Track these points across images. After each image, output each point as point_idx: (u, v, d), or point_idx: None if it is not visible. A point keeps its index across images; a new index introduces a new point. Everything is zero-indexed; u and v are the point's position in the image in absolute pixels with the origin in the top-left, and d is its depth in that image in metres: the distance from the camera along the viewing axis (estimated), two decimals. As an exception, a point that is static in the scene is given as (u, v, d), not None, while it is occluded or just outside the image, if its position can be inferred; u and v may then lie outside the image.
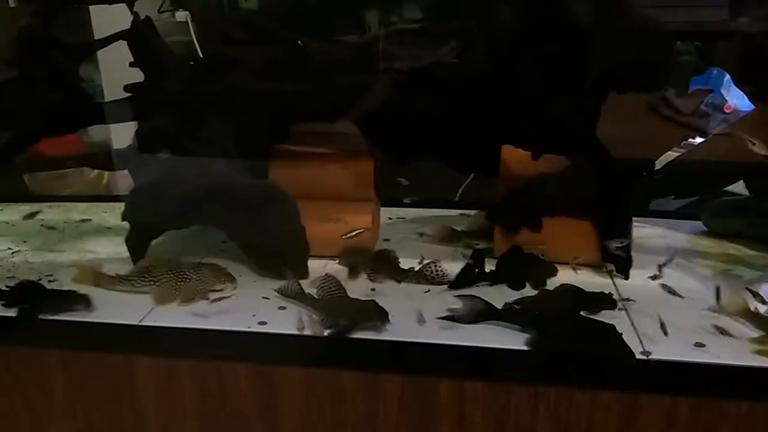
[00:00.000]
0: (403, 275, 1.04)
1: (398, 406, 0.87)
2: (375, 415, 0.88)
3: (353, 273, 1.04)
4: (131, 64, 1.06)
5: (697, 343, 0.84)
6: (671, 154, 1.22)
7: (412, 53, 1.00)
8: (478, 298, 0.89)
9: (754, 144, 0.98)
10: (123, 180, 1.76)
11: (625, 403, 0.82)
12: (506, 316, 0.88)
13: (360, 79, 1.03)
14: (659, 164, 1.19)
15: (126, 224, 1.06)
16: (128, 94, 1.04)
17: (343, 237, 1.06)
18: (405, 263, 1.06)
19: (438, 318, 0.89)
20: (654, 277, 1.04)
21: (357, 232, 1.07)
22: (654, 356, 0.82)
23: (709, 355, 0.82)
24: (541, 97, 1.02)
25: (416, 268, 1.04)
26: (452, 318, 0.88)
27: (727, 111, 1.64)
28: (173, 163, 1.04)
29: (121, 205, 1.06)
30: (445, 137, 1.08)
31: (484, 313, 0.88)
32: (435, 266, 1.03)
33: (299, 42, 1.02)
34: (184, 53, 1.23)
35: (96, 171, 1.81)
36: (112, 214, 1.39)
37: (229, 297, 0.98)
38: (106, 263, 1.06)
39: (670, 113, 1.20)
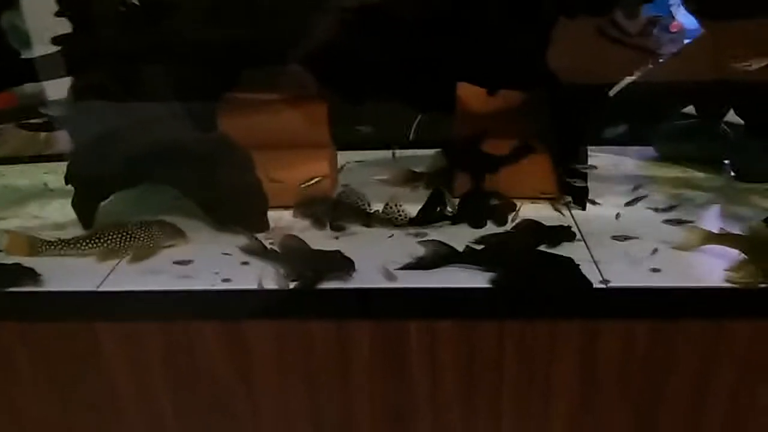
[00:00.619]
0: (366, 219, 1.03)
1: (370, 351, 0.88)
2: (347, 362, 0.89)
3: (315, 223, 1.03)
4: (57, 14, 0.97)
5: (653, 268, 0.87)
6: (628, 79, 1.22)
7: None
8: (440, 242, 0.90)
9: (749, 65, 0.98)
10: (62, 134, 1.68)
11: (585, 331, 0.85)
12: (468, 258, 0.88)
13: (307, 19, 0.98)
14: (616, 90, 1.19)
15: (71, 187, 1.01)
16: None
17: (301, 186, 1.04)
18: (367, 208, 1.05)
19: (399, 269, 0.89)
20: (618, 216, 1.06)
21: (315, 180, 1.05)
22: (612, 284, 0.85)
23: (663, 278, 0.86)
24: (493, 30, 1.00)
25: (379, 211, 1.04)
26: (415, 266, 0.89)
27: (673, 30, 1.64)
28: (115, 119, 0.98)
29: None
30: (399, 77, 1.05)
31: (446, 257, 0.89)
32: (397, 206, 1.02)
33: (239, -19, 0.95)
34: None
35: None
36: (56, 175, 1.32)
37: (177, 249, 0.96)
38: (52, 229, 1.01)
39: (618, 35, 1.20)
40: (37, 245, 0.96)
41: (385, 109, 1.22)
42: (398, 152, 1.34)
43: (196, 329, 0.88)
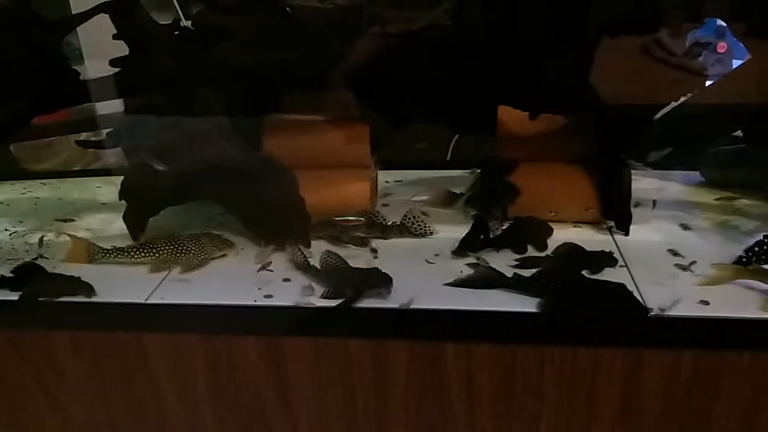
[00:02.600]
0: (387, 231, 1.06)
1: (407, 371, 0.89)
2: (385, 381, 0.89)
3: (333, 242, 1.04)
4: (115, 37, 1.02)
5: (702, 301, 0.86)
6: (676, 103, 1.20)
7: (405, 16, 0.97)
8: (489, 266, 0.90)
9: None
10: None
11: (629, 359, 0.84)
12: (516, 284, 0.89)
13: (352, 43, 1.00)
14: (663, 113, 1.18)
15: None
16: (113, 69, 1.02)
17: (338, 220, 1.06)
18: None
19: (447, 284, 0.90)
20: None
21: (354, 220, 1.06)
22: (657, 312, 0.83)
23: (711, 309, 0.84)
24: (535, 53, 1.01)
25: (398, 222, 1.07)
26: (461, 284, 0.89)
27: (720, 51, 1.61)
28: (167, 139, 1.02)
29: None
30: (441, 99, 1.06)
31: (494, 281, 0.89)
32: (416, 218, 1.05)
33: (288, 8, 0.99)
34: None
35: (83, 137, 1.78)
36: (107, 188, 1.38)
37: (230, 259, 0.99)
38: (103, 240, 1.06)
39: (663, 55, 1.19)
40: (94, 252, 1.00)
41: (422, 130, 1.23)
42: (435, 173, 1.35)
43: (238, 343, 0.91)
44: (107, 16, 0.99)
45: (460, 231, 1.04)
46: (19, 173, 1.57)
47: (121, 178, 1.00)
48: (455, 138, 1.46)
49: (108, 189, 1.40)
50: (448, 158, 1.47)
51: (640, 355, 0.83)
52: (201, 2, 1.09)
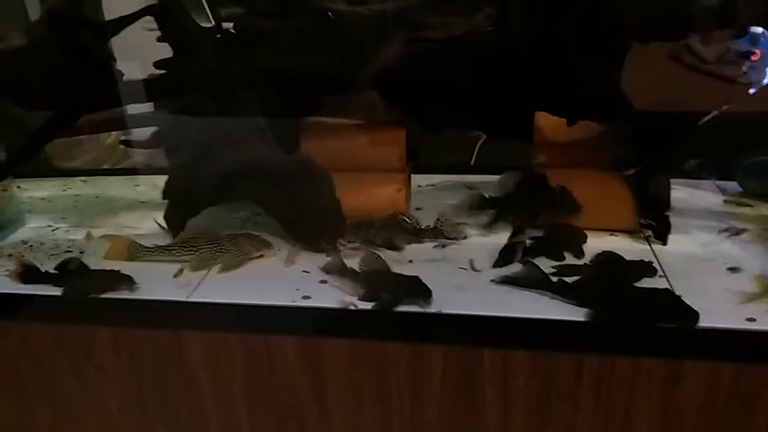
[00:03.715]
0: (420, 235, 1.07)
1: (442, 375, 0.89)
2: (420, 385, 0.90)
3: (367, 245, 1.05)
4: (159, 39, 1.04)
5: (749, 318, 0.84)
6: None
7: (445, 22, 0.98)
8: (536, 266, 0.91)
9: None
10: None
11: (669, 370, 0.83)
12: (560, 290, 0.89)
13: (390, 49, 1.01)
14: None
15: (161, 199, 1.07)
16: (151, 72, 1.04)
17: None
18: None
19: (495, 281, 0.91)
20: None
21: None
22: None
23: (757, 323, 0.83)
24: (573, 60, 1.01)
25: (431, 226, 1.08)
26: (512, 282, 0.90)
27: (754, 59, 1.59)
28: (209, 140, 1.04)
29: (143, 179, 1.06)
30: (477, 106, 1.07)
31: (539, 283, 0.89)
32: (448, 222, 1.07)
33: (329, 12, 1.00)
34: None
35: (112, 136, 1.82)
36: (145, 187, 1.40)
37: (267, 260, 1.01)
38: (142, 238, 1.08)
39: (694, 62, 1.18)
40: (135, 250, 1.02)
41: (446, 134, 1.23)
42: (460, 177, 1.35)
43: (275, 343, 0.92)
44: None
45: (494, 236, 1.04)
46: (50, 170, 1.60)
47: (149, 177, 1.02)
48: (479, 142, 1.46)
49: (134, 188, 1.42)
50: (472, 163, 1.47)
51: (679, 367, 0.83)
52: (238, 6, 1.10)
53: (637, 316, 0.84)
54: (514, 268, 0.96)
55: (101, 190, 1.41)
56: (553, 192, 1.06)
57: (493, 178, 1.29)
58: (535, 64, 1.01)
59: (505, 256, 0.98)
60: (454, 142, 1.40)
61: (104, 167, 1.79)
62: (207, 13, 1.60)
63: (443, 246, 1.06)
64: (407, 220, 1.08)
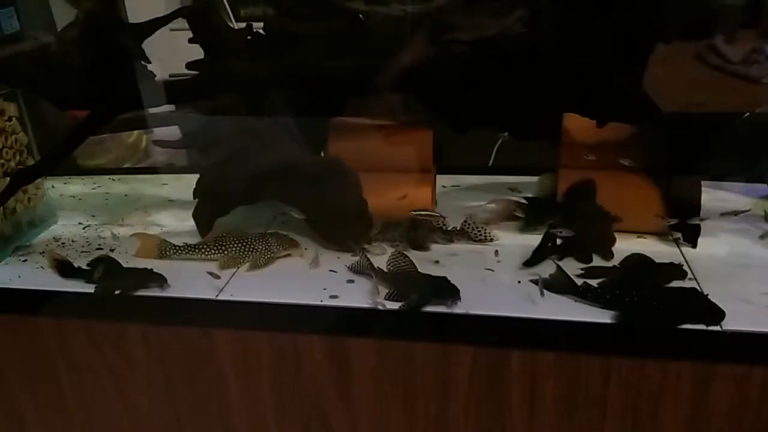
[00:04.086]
0: (447, 236, 1.07)
1: (470, 376, 0.89)
2: (447, 385, 0.90)
3: (396, 245, 1.06)
4: (191, 41, 1.06)
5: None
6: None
7: (475, 23, 0.98)
8: (563, 271, 0.91)
9: None
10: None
11: (698, 373, 0.83)
12: (585, 294, 0.89)
13: (419, 50, 1.01)
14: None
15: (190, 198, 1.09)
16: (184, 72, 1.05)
17: (414, 213, 1.07)
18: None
19: (531, 281, 0.92)
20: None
21: (428, 213, 1.07)
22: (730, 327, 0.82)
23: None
24: (606, 63, 1.00)
25: (458, 227, 1.08)
26: (541, 285, 0.90)
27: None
28: (238, 140, 1.05)
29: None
30: (506, 107, 1.07)
31: (566, 287, 0.89)
32: (475, 223, 1.08)
33: (360, 15, 1.00)
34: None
35: (135, 135, 1.85)
36: (175, 186, 1.42)
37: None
38: (170, 236, 1.10)
39: (719, 62, 1.16)
40: (165, 249, 1.04)
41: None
42: (478, 178, 1.35)
43: (303, 341, 0.93)
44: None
45: (521, 238, 1.05)
46: (77, 169, 1.63)
47: (171, 175, 1.02)
48: (498, 143, 1.45)
49: (156, 187, 1.44)
50: (490, 164, 1.47)
51: (709, 370, 0.82)
52: (268, 7, 1.11)
53: (662, 316, 0.84)
54: (542, 269, 0.96)
55: (130, 188, 1.43)
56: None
57: (512, 178, 1.31)
58: (564, 66, 1.00)
59: (536, 256, 0.98)
60: (473, 142, 1.39)
61: (126, 165, 1.82)
62: (229, 13, 1.63)
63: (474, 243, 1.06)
64: (434, 221, 1.09)
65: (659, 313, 0.84)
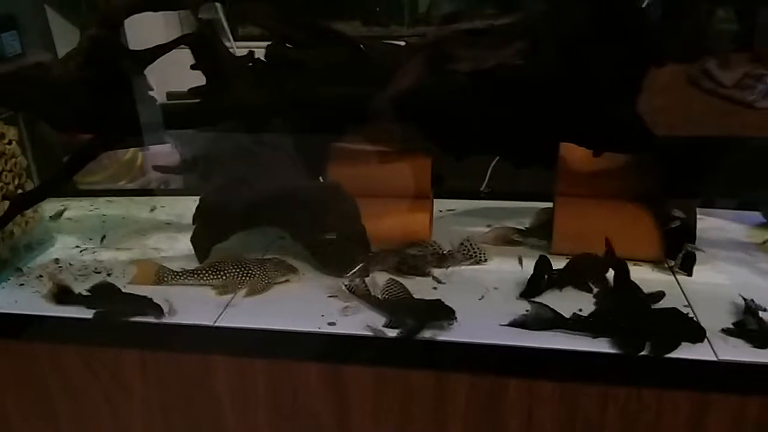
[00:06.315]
0: (443, 260, 1.08)
1: (466, 404, 0.89)
2: (444, 413, 0.90)
3: (393, 273, 1.05)
4: (193, 67, 1.07)
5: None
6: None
7: (474, 55, 1.00)
8: (547, 306, 0.91)
9: None
10: (153, 159, 1.79)
11: (694, 402, 0.83)
12: (575, 325, 0.89)
13: (421, 80, 1.03)
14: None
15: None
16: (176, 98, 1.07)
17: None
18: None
19: (503, 325, 0.90)
20: None
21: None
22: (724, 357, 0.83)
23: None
24: (600, 94, 1.02)
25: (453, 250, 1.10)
26: (521, 325, 0.90)
27: (768, 82, 1.58)
28: (239, 165, 1.06)
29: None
30: (503, 136, 1.08)
31: (551, 322, 0.89)
32: (472, 245, 1.09)
33: (361, 45, 1.02)
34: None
35: (130, 152, 1.85)
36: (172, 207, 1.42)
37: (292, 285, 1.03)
38: (168, 261, 1.09)
39: (712, 86, 1.18)
40: (163, 275, 1.04)
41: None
42: (473, 203, 1.36)
43: (300, 369, 0.93)
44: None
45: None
46: (73, 188, 1.63)
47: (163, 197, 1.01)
48: (490, 169, 1.46)
49: (160, 208, 1.45)
50: (483, 189, 1.48)
51: (706, 400, 0.82)
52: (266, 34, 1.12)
53: (648, 338, 0.85)
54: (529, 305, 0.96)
55: (127, 210, 1.43)
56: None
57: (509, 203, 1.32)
58: (560, 95, 1.02)
59: (531, 288, 0.99)
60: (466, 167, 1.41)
61: (122, 182, 1.82)
62: (229, 36, 1.64)
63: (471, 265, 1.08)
64: (431, 246, 1.09)
65: (645, 335, 0.85)
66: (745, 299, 0.93)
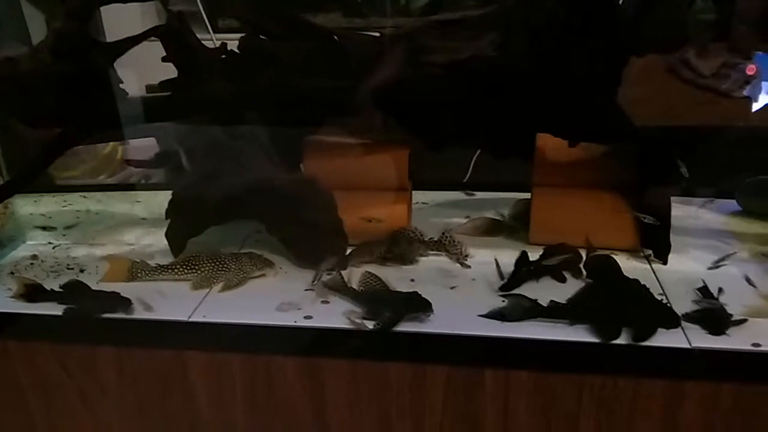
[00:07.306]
0: (425, 247, 1.09)
1: (444, 395, 0.89)
2: (421, 405, 0.90)
3: (376, 262, 1.06)
4: (164, 59, 1.05)
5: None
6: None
7: (449, 45, 0.99)
8: (524, 296, 0.91)
9: None
10: (134, 153, 1.77)
11: (669, 390, 0.84)
12: (554, 312, 0.89)
13: (395, 70, 1.02)
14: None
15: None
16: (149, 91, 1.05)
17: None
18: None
19: (482, 315, 0.90)
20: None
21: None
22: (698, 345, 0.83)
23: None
24: (575, 85, 1.01)
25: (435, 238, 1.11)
26: (497, 316, 0.90)
27: (749, 73, 1.59)
28: (213, 159, 1.04)
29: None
30: (481, 126, 1.08)
31: (529, 311, 0.90)
32: (451, 237, 1.10)
33: (335, 36, 1.01)
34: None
35: (110, 146, 1.82)
36: (148, 201, 1.41)
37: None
38: (142, 256, 1.08)
39: (691, 76, 1.18)
40: (136, 270, 1.02)
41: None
42: (452, 194, 1.36)
43: (277, 363, 0.92)
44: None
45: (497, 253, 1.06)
46: (49, 183, 1.60)
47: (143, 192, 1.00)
48: (473, 159, 1.46)
49: (128, 203, 1.43)
50: (465, 180, 1.48)
51: (679, 387, 0.83)
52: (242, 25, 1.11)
53: (624, 324, 0.86)
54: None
55: (102, 206, 1.41)
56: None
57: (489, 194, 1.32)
58: (537, 85, 1.02)
59: (511, 283, 0.99)
60: (447, 158, 1.40)
61: (101, 177, 1.79)
62: (209, 29, 1.62)
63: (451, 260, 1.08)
64: (411, 233, 1.10)
65: (623, 321, 0.86)
66: (704, 284, 0.94)
